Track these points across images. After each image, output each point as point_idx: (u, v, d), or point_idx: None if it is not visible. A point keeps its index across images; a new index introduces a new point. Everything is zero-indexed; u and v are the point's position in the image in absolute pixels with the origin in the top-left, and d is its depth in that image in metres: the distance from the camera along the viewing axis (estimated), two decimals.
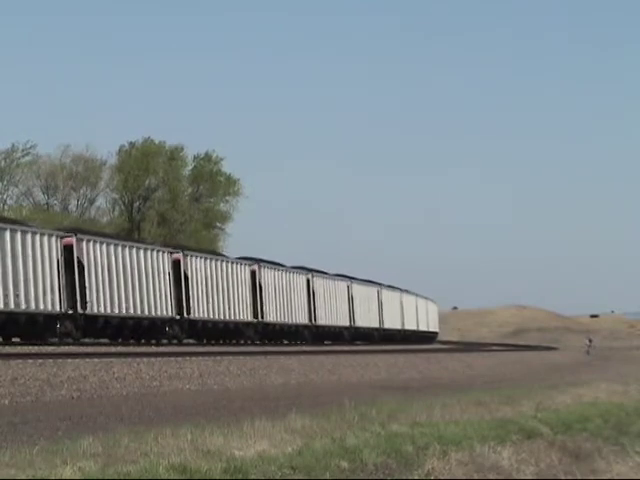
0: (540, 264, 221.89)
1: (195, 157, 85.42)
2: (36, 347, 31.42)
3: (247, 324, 48.35)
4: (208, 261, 45.67)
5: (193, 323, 44.01)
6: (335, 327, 58.72)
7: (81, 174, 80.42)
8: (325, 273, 59.38)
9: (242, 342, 47.88)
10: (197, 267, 44.42)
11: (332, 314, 58.04)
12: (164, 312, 41.94)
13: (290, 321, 52.52)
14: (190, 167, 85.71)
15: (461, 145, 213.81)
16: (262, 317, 49.31)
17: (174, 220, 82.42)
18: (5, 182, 75.98)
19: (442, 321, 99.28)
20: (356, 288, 62.75)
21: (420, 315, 79.68)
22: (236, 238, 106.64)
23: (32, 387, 21.48)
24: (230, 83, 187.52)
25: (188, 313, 43.64)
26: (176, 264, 43.21)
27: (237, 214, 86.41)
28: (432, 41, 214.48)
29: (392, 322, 69.76)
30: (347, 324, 60.46)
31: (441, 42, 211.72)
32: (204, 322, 44.86)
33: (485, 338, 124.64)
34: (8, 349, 29.00)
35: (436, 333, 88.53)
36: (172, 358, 29.69)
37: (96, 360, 26.13)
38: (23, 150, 75.92)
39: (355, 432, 12.56)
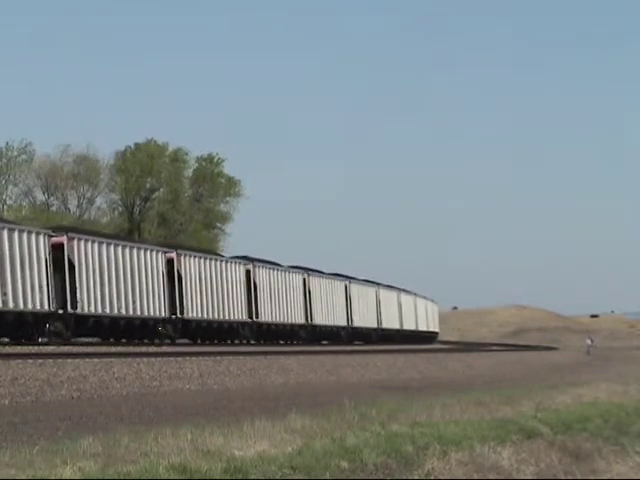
0: (540, 264, 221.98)
1: (197, 158, 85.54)
2: (36, 347, 31.42)
3: (242, 324, 48.00)
4: (202, 260, 45.23)
5: (187, 323, 43.60)
6: (332, 327, 58.37)
7: (81, 174, 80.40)
8: (322, 272, 59.03)
9: (237, 342, 47.55)
10: (191, 266, 44.05)
11: (329, 314, 57.72)
12: (157, 312, 41.47)
13: (286, 321, 52.13)
14: (192, 168, 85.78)
15: (461, 145, 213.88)
16: (257, 317, 48.97)
17: (174, 220, 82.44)
18: (4, 182, 75.94)
19: (442, 321, 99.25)
20: (354, 288, 62.47)
21: (419, 315, 79.44)
22: (236, 238, 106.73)
23: (32, 387, 21.48)
24: (230, 83, 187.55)
25: (182, 313, 43.19)
26: (170, 263, 42.84)
27: (237, 215, 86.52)
28: (432, 41, 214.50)
29: (390, 322, 69.42)
30: (344, 324, 60.19)
31: (440, 42, 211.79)
32: (198, 322, 44.46)
33: (485, 338, 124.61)
34: (8, 349, 29.00)
35: (436, 333, 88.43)
36: (172, 358, 29.69)
37: (96, 360, 26.13)
38: (19, 149, 75.89)
39: (355, 432, 12.56)
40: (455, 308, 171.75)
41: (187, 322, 43.61)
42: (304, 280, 54.97)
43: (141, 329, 40.93)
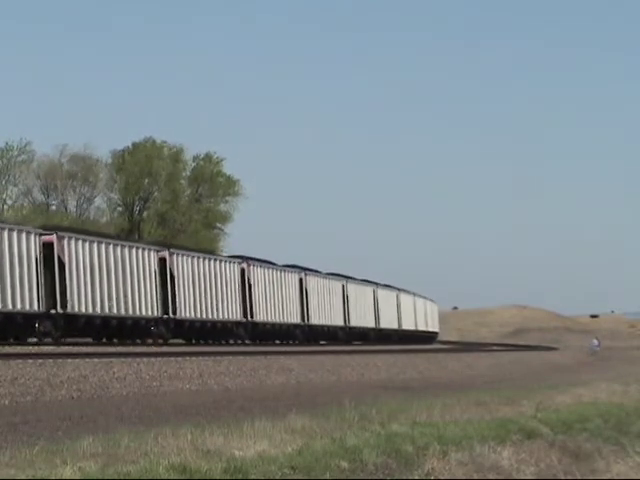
0: (540, 264, 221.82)
1: (195, 157, 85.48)
2: (36, 347, 31.46)
3: (236, 323, 47.56)
4: (195, 259, 44.82)
5: (179, 323, 43.18)
6: (329, 327, 58.05)
7: (80, 174, 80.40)
8: (319, 272, 58.71)
9: (232, 342, 47.16)
10: (184, 265, 43.62)
11: (326, 314, 57.39)
12: (149, 311, 41.17)
13: (282, 320, 51.74)
14: (190, 168, 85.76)
15: (461, 144, 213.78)
16: (252, 316, 48.57)
17: (174, 221, 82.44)
18: (4, 182, 75.96)
19: (442, 321, 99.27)
20: (351, 287, 62.19)
21: (418, 315, 79.31)
22: (236, 238, 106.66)
23: (32, 387, 21.49)
24: (230, 83, 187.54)
25: (174, 312, 42.94)
26: (162, 262, 42.52)
27: (237, 214, 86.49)
28: (431, 41, 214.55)
29: (389, 322, 69.20)
30: (342, 324, 59.90)
31: (439, 42, 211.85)
32: (191, 322, 44.08)
33: (485, 338, 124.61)
34: (8, 349, 29.01)
35: (436, 333, 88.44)
36: (172, 358, 29.70)
37: (96, 360, 26.13)
38: (19, 148, 75.89)
39: (355, 432, 12.56)
40: (455, 308, 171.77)
41: (180, 322, 43.30)
42: (300, 279, 54.67)
43: (133, 329, 40.60)
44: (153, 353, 31.68)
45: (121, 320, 39.60)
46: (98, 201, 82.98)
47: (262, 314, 49.70)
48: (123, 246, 40.57)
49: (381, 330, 67.05)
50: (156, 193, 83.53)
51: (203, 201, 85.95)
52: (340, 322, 59.70)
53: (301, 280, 54.72)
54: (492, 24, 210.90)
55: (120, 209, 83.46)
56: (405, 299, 75.01)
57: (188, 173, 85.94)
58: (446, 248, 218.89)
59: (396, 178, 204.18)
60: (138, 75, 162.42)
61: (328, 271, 60.95)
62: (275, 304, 51.22)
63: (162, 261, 42.50)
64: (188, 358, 30.39)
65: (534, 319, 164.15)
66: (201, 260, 45.35)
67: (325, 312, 57.37)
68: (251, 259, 50.28)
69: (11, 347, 30.47)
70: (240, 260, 49.10)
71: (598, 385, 25.09)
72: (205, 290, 44.96)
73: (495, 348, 77.63)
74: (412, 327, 76.27)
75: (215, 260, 47.11)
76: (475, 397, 19.76)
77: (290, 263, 56.24)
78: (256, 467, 9.84)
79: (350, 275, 64.17)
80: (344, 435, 12.17)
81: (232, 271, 47.57)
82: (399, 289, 74.13)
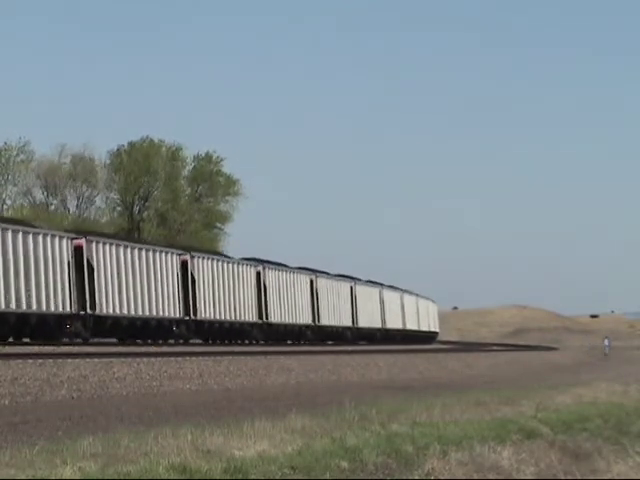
0: (540, 264, 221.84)
1: (195, 157, 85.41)
2: (36, 347, 31.42)
3: (252, 324, 48.98)
4: (214, 262, 46.35)
5: (199, 324, 44.67)
6: (338, 327, 59.20)
7: (79, 174, 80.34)
8: (328, 274, 59.81)
9: (247, 342, 48.52)
10: (204, 268, 45.15)
11: (335, 314, 58.47)
12: (171, 313, 42.79)
13: (294, 321, 52.93)
14: (190, 167, 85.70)
15: (461, 145, 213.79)
16: (267, 318, 49.85)
17: (174, 220, 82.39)
18: (3, 181, 75.92)
19: (442, 321, 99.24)
20: (359, 289, 63.24)
21: (421, 315, 79.98)
22: (236, 238, 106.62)
23: (32, 387, 21.48)
24: (229, 83, 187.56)
25: (195, 314, 44.45)
26: (184, 265, 44.12)
27: (237, 214, 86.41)
28: (431, 41, 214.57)
29: (394, 322, 70.13)
30: (350, 324, 60.94)
31: (440, 42, 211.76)
32: (210, 323, 45.53)
33: (485, 338, 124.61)
34: (8, 349, 28.99)
35: (436, 333, 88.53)
36: (172, 358, 29.70)
37: (96, 360, 26.13)
38: (17, 148, 75.83)
39: (355, 432, 12.56)
40: (455, 308, 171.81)
41: (200, 323, 44.85)
42: (311, 281, 55.80)
43: (157, 330, 42.20)
44: (153, 353, 31.67)
45: (146, 321, 41.03)
46: (98, 201, 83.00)
47: (276, 315, 50.85)
48: (147, 250, 42.25)
49: (387, 330, 67.93)
50: (156, 192, 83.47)
51: (203, 201, 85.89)
52: (348, 323, 60.69)
53: (312, 282, 55.75)
54: (492, 24, 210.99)
55: (120, 209, 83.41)
56: (409, 300, 75.75)
57: (188, 173, 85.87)
58: (446, 248, 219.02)
59: (396, 178, 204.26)
60: (138, 75, 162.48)
61: (329, 271, 61.23)
62: (288, 306, 52.35)
63: (184, 264, 43.99)
64: (188, 358, 30.38)
65: (534, 319, 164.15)
66: (220, 263, 46.80)
67: (334, 313, 58.39)
68: (266, 262, 51.46)
69: (11, 347, 30.47)
70: (256, 263, 50.39)
71: (598, 385, 25.08)
72: (223, 292, 46.25)
73: (495, 348, 77.61)
74: (415, 327, 76.97)
75: (233, 263, 48.40)
76: (475, 397, 19.76)
77: (289, 263, 56.51)
78: (256, 467, 9.84)
79: (355, 276, 64.62)
80: (344, 435, 12.17)
81: (249, 274, 48.95)
82: (403, 290, 75.00)
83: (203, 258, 45.75)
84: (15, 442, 11.74)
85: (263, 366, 31.96)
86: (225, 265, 47.20)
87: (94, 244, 38.44)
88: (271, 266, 51.70)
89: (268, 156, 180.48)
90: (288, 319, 52.19)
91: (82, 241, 37.86)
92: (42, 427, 14.46)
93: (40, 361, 24.31)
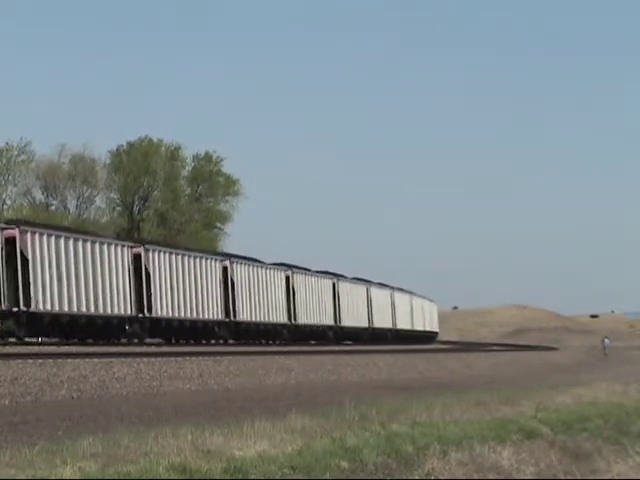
0: (540, 264, 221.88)
1: (195, 157, 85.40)
2: (36, 347, 31.44)
3: (218, 323, 46.54)
4: (173, 256, 43.78)
5: (155, 321, 42.18)
6: (318, 326, 56.67)
7: (79, 174, 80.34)
8: (308, 270, 57.16)
9: (213, 342, 46.32)
10: (160, 262, 42.57)
11: (315, 313, 56.04)
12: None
13: (266, 320, 50.68)
14: (190, 167, 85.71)
15: (460, 143, 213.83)
16: (234, 316, 47.57)
17: (174, 220, 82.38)
18: (3, 182, 75.92)
19: (442, 321, 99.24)
20: (342, 286, 60.71)
21: (416, 314, 77.96)
22: (235, 238, 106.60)
23: (32, 387, 21.48)
24: (229, 83, 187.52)
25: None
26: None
27: (237, 214, 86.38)
28: (431, 41, 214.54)
29: (382, 321, 67.67)
30: (332, 323, 58.56)
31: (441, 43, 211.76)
32: (168, 320, 42.75)
33: (485, 338, 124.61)
34: (8, 349, 29.01)
35: (436, 333, 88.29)
36: (172, 358, 29.71)
37: (96, 360, 26.13)
38: (18, 148, 75.82)
39: (355, 432, 12.56)
40: (455, 308, 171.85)
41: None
42: (287, 277, 53.42)
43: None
44: (153, 353, 31.69)
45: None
46: (98, 201, 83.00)
47: (246, 313, 48.82)
48: (195, 257, 44.10)
49: (374, 330, 65.53)
50: (155, 192, 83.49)
51: (203, 201, 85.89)
52: (330, 321, 58.42)
53: (288, 278, 53.41)
54: (492, 25, 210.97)
55: (120, 209, 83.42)
56: (400, 298, 73.32)
57: (187, 173, 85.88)
58: (446, 248, 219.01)
59: (396, 178, 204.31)
60: (138, 75, 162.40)
61: (325, 269, 60.35)
62: (260, 303, 50.16)
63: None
64: (188, 358, 30.39)
65: (534, 319, 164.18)
66: (179, 257, 44.39)
67: (314, 311, 56.06)
68: (235, 256, 49.89)
69: (11, 347, 30.48)
70: (222, 257, 48.79)
71: (598, 385, 25.09)
72: (184, 288, 44.09)
73: (495, 348, 77.61)
74: (408, 327, 74.83)
75: (195, 257, 46.01)
76: (475, 397, 19.76)
77: (288, 262, 55.91)
78: (256, 467, 9.84)
79: (344, 274, 62.85)
80: (344, 435, 12.17)
81: (214, 269, 46.66)
82: (393, 287, 72.51)
83: (160, 251, 43.19)
84: (15, 442, 11.74)
85: (263, 366, 31.97)
86: (186, 259, 44.53)
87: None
88: (240, 261, 49.32)
89: (268, 156, 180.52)
90: (260, 317, 49.82)
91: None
92: (42, 427, 14.46)
93: (40, 361, 24.32)
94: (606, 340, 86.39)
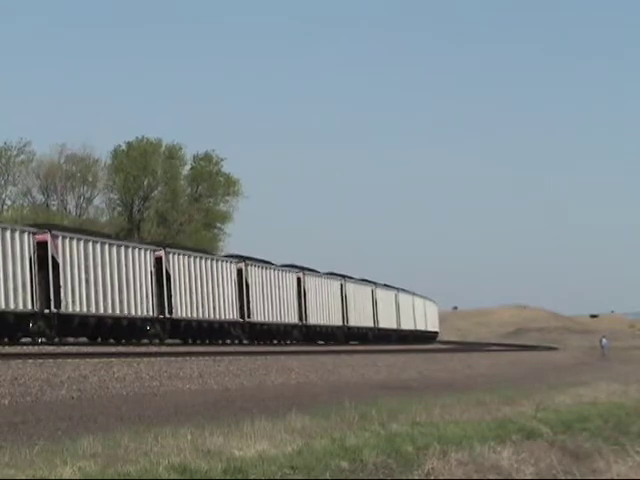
0: (540, 264, 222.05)
1: (194, 157, 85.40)
2: (36, 347, 31.46)
3: (233, 323, 47.74)
4: (192, 259, 45.04)
5: (253, 326, 45.38)
6: (327, 327, 58.02)
7: (79, 174, 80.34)
8: (317, 272, 58.59)
9: (229, 342, 47.41)
10: (180, 265, 43.83)
11: (324, 313, 57.38)
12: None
13: (279, 320, 51.87)
14: (189, 167, 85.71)
15: (461, 145, 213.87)
16: (249, 316, 48.76)
17: (174, 220, 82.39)
18: (3, 182, 75.93)
19: (442, 321, 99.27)
20: (349, 287, 62.00)
21: (418, 315, 79.07)
22: (235, 238, 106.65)
23: (32, 387, 21.48)
24: (229, 83, 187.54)
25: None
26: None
27: (237, 214, 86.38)
28: (431, 41, 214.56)
29: (387, 322, 68.97)
30: (340, 323, 59.78)
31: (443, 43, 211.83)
32: (187, 322, 44.18)
33: (485, 338, 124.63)
34: (8, 349, 29.01)
35: (436, 333, 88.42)
36: (172, 358, 29.72)
37: (96, 360, 26.15)
38: (18, 148, 75.83)
39: (355, 432, 12.56)
40: (455, 308, 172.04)
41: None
42: (298, 279, 54.73)
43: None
44: (153, 353, 31.72)
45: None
46: (97, 201, 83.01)
47: (260, 314, 50.02)
48: (212, 259, 45.20)
49: (380, 330, 66.90)
50: (155, 192, 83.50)
51: (203, 201, 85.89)
52: (338, 322, 59.59)
53: (299, 280, 54.80)
54: (492, 25, 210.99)
55: (120, 209, 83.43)
56: (404, 299, 74.76)
57: (187, 172, 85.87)
58: (446, 248, 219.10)
59: (396, 178, 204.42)
60: (138, 75, 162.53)
61: (327, 270, 60.86)
62: (273, 304, 51.45)
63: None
64: (188, 358, 30.40)
65: (534, 319, 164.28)
66: (197, 259, 45.59)
67: (323, 312, 57.39)
68: (249, 259, 50.73)
69: (11, 347, 30.49)
70: (237, 260, 49.60)
71: (598, 385, 25.07)
72: (202, 290, 45.30)
73: (495, 348, 77.61)
74: (411, 327, 76.02)
75: (212, 260, 47.42)
76: (475, 397, 19.76)
77: (288, 261, 56.31)
78: (256, 467, 9.84)
79: (349, 275, 63.98)
80: (344, 435, 12.17)
81: (229, 271, 47.86)
82: (398, 289, 73.90)
83: (179, 254, 44.40)
84: (15, 442, 11.74)
85: (263, 366, 31.96)
86: (204, 261, 45.74)
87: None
88: (254, 263, 50.49)
89: (268, 156, 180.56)
90: (273, 318, 51.03)
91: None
92: (42, 427, 14.46)
93: (40, 361, 24.34)
94: (604, 340, 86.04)
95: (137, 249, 41.38)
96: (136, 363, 26.98)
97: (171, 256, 43.29)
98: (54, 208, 79.69)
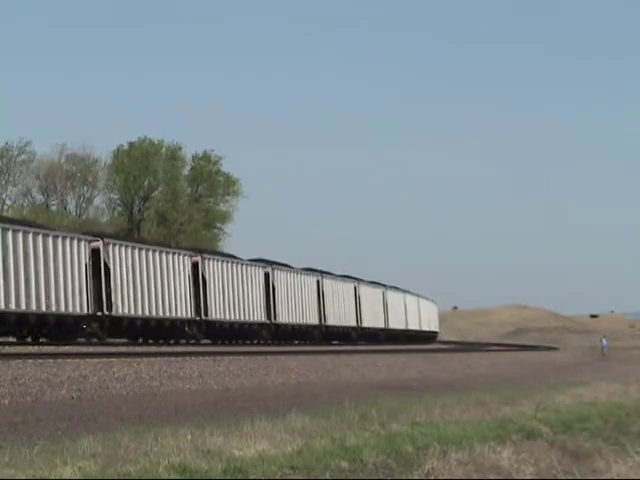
0: (540, 264, 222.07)
1: (194, 156, 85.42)
2: (36, 347, 31.46)
3: (261, 325, 50.12)
4: (225, 264, 47.68)
5: (210, 324, 45.95)
6: (343, 327, 59.95)
7: (79, 174, 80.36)
8: (333, 274, 60.51)
9: (255, 342, 49.81)
10: (214, 270, 46.40)
11: (340, 315, 59.29)
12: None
13: (301, 322, 53.93)
14: (189, 167, 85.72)
15: (462, 146, 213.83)
16: (275, 318, 51.01)
17: (174, 220, 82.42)
18: (3, 182, 75.96)
19: (442, 321, 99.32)
20: (363, 289, 63.84)
21: (422, 315, 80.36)
22: (235, 238, 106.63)
23: (32, 387, 21.47)
24: (228, 83, 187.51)
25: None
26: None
27: (237, 214, 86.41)
28: (431, 42, 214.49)
29: (397, 322, 70.69)
30: (354, 324, 61.57)
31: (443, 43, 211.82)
32: (221, 323, 46.70)
33: (485, 338, 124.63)
34: (8, 349, 29.01)
35: (436, 333, 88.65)
36: (172, 358, 29.71)
37: (96, 360, 26.14)
38: (19, 148, 75.87)
39: (355, 432, 12.56)
40: (455, 308, 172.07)
41: (211, 323, 46.31)
42: (318, 282, 56.71)
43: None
44: (153, 353, 31.71)
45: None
46: (97, 201, 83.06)
47: (284, 316, 52.08)
48: (161, 251, 44.94)
49: (390, 330, 68.41)
50: (156, 192, 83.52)
51: (203, 201, 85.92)
52: (353, 323, 61.39)
53: (318, 282, 56.88)
54: (492, 25, 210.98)
55: (120, 209, 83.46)
56: (410, 300, 76.17)
57: (187, 172, 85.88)
58: (446, 248, 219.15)
59: (397, 178, 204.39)
60: (138, 75, 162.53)
61: (327, 270, 61.26)
62: (296, 306, 53.45)
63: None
64: (188, 358, 30.39)
65: (534, 319, 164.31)
66: (229, 264, 48.25)
67: (339, 313, 59.26)
68: (274, 263, 52.77)
69: (11, 347, 30.50)
70: (264, 264, 51.90)
71: (598, 385, 25.07)
72: (233, 293, 47.77)
73: (495, 348, 77.59)
74: (417, 327, 77.51)
75: (242, 264, 49.76)
76: (475, 397, 19.76)
77: (286, 262, 56.47)
78: (256, 467, 9.83)
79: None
80: (344, 435, 12.16)
81: (258, 275, 50.37)
82: (405, 291, 75.43)
83: (213, 259, 47.01)
84: (15, 442, 11.73)
85: (263, 366, 31.96)
86: (235, 266, 48.41)
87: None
88: (279, 267, 52.97)
89: (268, 156, 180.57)
90: (295, 319, 53.21)
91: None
92: (42, 427, 14.46)
93: (40, 361, 24.33)
94: (604, 340, 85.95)
95: (177, 255, 44.20)
96: (136, 363, 26.97)
97: (207, 262, 45.96)
98: (54, 208, 79.75)
